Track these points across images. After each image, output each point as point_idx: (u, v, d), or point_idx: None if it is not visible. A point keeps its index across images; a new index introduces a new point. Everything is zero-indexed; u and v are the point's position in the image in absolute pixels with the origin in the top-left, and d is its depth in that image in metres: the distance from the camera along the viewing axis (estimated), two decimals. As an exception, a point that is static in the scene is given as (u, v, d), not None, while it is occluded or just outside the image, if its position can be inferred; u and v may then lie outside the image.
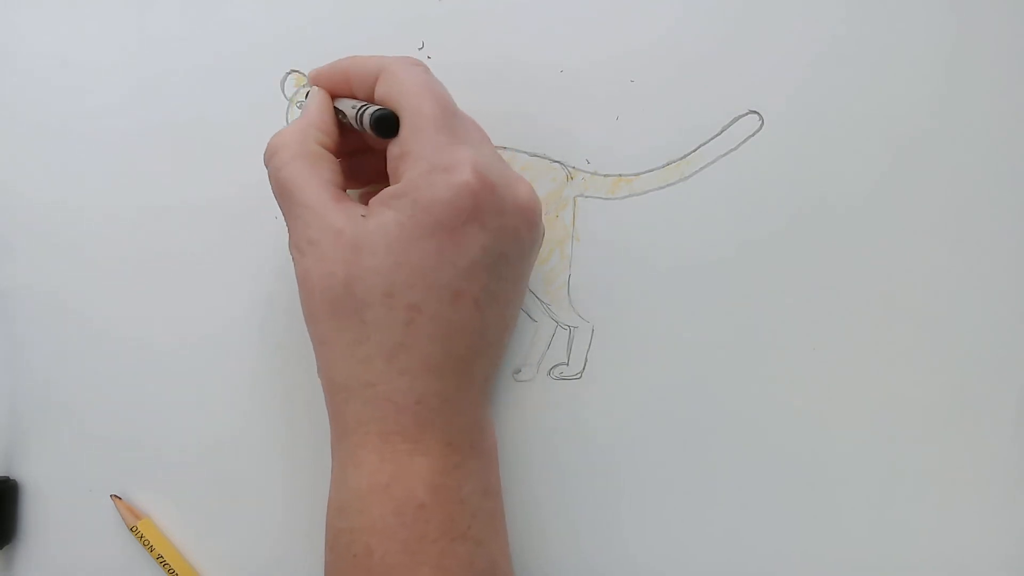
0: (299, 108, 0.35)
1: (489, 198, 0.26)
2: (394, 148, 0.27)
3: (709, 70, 0.33)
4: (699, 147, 0.33)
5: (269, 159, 0.29)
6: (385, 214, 0.26)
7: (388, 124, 0.27)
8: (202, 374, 0.36)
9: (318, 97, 0.30)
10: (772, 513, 0.33)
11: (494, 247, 0.27)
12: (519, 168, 0.34)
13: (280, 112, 0.35)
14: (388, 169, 0.28)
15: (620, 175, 0.34)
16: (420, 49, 0.34)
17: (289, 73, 0.35)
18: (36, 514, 0.37)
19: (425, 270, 0.26)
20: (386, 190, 0.27)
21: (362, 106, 0.28)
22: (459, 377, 0.28)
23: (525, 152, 0.34)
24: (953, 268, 0.33)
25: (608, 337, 0.34)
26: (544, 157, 0.34)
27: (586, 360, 0.34)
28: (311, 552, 0.35)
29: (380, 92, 0.28)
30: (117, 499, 0.36)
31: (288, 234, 0.29)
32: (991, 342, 0.32)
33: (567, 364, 0.34)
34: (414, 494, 0.27)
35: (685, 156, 0.33)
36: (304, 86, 0.35)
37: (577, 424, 0.34)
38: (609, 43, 0.34)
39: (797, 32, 0.33)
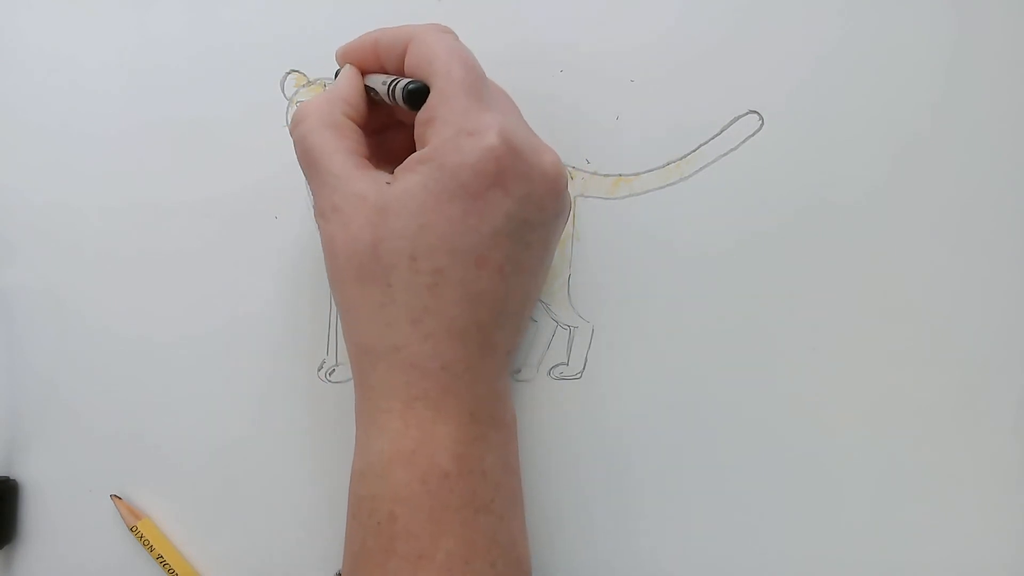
0: (299, 108, 0.35)
1: (514, 164, 0.26)
2: (422, 114, 0.27)
3: (709, 70, 0.33)
4: (699, 147, 0.33)
5: (295, 127, 0.29)
6: (410, 178, 0.26)
7: (420, 96, 0.27)
8: (202, 374, 0.36)
9: (347, 74, 0.30)
10: (772, 512, 0.33)
11: (518, 214, 0.27)
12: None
13: (280, 112, 0.35)
14: (415, 136, 0.28)
15: (620, 175, 0.34)
16: (420, 49, 0.34)
17: (289, 73, 0.35)
18: (36, 514, 0.37)
19: (449, 234, 0.26)
20: (413, 155, 0.27)
21: (393, 80, 0.28)
22: (482, 345, 0.28)
23: (525, 152, 0.34)
24: (953, 268, 0.33)
25: (608, 337, 0.34)
26: (544, 157, 0.34)
27: (586, 360, 0.34)
28: (311, 551, 0.35)
29: (410, 60, 0.28)
30: (117, 499, 0.36)
31: (312, 201, 0.29)
32: (991, 342, 0.32)
33: (567, 364, 0.34)
34: (438, 462, 0.27)
35: (685, 156, 0.33)
36: (305, 86, 0.35)
37: (577, 424, 0.34)
38: (609, 43, 0.34)
39: (797, 32, 0.33)
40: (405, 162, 0.27)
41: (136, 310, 0.36)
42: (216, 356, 0.36)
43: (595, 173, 0.34)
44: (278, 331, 0.35)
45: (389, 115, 0.32)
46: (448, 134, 0.26)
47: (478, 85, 0.27)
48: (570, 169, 0.34)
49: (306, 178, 0.29)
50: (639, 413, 0.34)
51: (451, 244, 0.26)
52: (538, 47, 0.34)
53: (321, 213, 0.28)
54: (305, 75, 0.35)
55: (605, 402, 0.34)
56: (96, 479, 0.36)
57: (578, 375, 0.34)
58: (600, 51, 0.34)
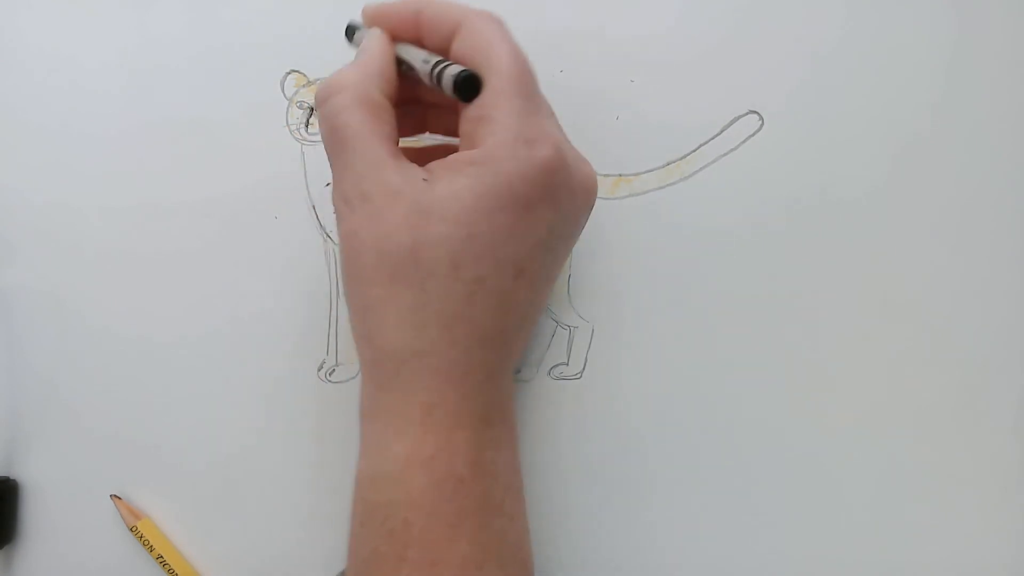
0: (299, 108, 0.35)
1: (564, 178, 0.26)
2: (472, 110, 0.25)
3: (709, 70, 0.33)
4: (699, 147, 0.33)
5: (324, 100, 0.26)
6: (459, 181, 0.25)
7: (474, 87, 0.25)
8: (202, 374, 0.36)
9: (380, 42, 0.28)
10: (772, 512, 0.33)
11: (558, 227, 0.26)
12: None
13: (280, 112, 0.35)
14: (461, 131, 0.26)
15: (620, 175, 0.34)
16: (420, 49, 0.34)
17: (289, 73, 0.35)
18: (36, 514, 0.37)
19: (495, 244, 0.25)
20: (460, 155, 0.26)
21: (439, 61, 0.26)
22: (502, 351, 0.27)
23: (525, 152, 0.34)
24: (953, 267, 0.33)
25: (608, 337, 0.34)
26: (544, 157, 0.34)
27: (586, 360, 0.34)
28: (311, 551, 0.35)
29: (461, 45, 0.26)
30: (117, 499, 0.36)
31: (334, 184, 0.27)
32: (992, 342, 0.32)
33: (567, 364, 0.34)
34: (455, 467, 0.26)
35: (685, 156, 0.33)
36: (305, 86, 0.35)
37: (577, 424, 0.34)
38: (609, 43, 0.34)
39: (797, 32, 0.33)
40: (450, 160, 0.26)
41: (136, 310, 0.36)
42: (216, 356, 0.36)
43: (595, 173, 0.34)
44: (278, 331, 0.35)
45: (410, 88, 0.29)
46: (504, 138, 0.25)
47: (534, 89, 0.26)
48: (570, 169, 0.34)
49: (329, 157, 0.27)
50: (639, 413, 0.34)
51: (496, 254, 0.25)
52: (538, 47, 0.34)
53: (345, 198, 0.26)
54: (305, 75, 0.35)
55: (605, 402, 0.34)
56: (96, 479, 0.36)
57: (578, 375, 0.34)
58: (600, 51, 0.34)
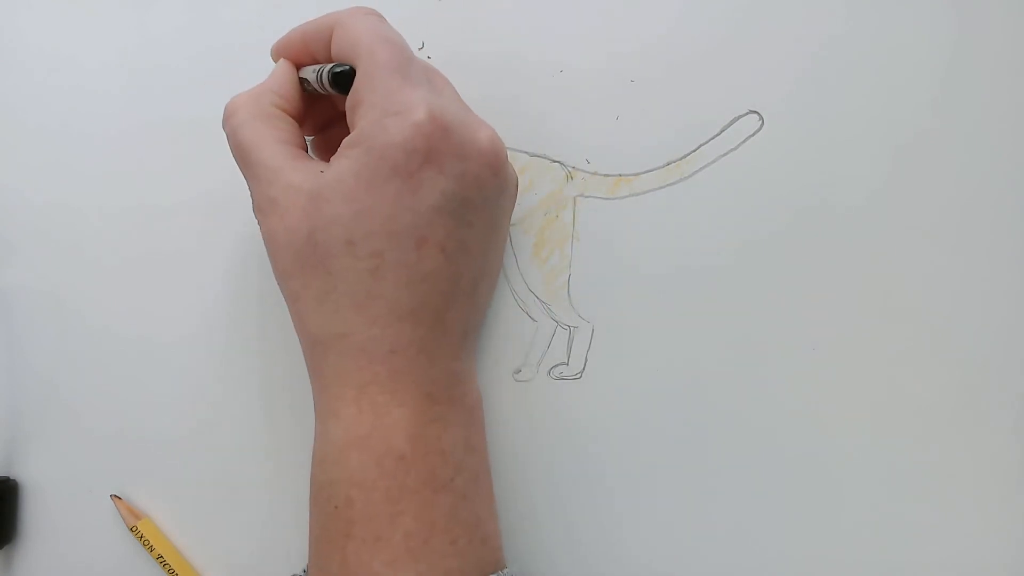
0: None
1: (445, 141, 0.26)
2: (350, 99, 0.27)
3: (709, 70, 0.33)
4: (699, 147, 0.33)
5: (226, 121, 0.29)
6: (342, 163, 0.26)
7: (347, 79, 0.27)
8: (202, 373, 0.36)
9: (280, 66, 0.30)
10: (772, 513, 0.33)
11: (455, 192, 0.27)
12: (519, 168, 0.34)
13: (280, 112, 0.35)
14: (348, 121, 0.27)
15: (620, 175, 0.34)
16: (420, 49, 0.34)
17: (289, 73, 0.35)
18: (36, 514, 0.37)
19: (385, 216, 0.26)
20: (344, 140, 0.27)
21: (320, 67, 0.28)
22: (433, 327, 0.28)
23: (525, 152, 0.34)
24: (954, 268, 0.32)
25: (608, 337, 0.34)
26: (544, 157, 0.34)
27: (586, 360, 0.34)
28: (311, 552, 0.35)
29: (335, 45, 0.28)
30: (117, 499, 0.36)
31: (251, 197, 0.28)
32: (992, 343, 0.32)
33: (567, 364, 0.34)
34: (393, 444, 0.27)
35: (685, 156, 0.33)
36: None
37: (577, 424, 0.34)
38: (609, 43, 0.34)
39: (797, 32, 0.33)
40: (339, 148, 0.27)
41: (136, 310, 0.36)
42: (217, 356, 0.36)
43: (595, 173, 0.34)
44: (278, 331, 0.35)
45: (333, 107, 0.31)
46: (374, 116, 0.26)
47: (404, 64, 0.27)
48: (570, 169, 0.34)
49: (242, 174, 0.28)
50: (639, 413, 0.34)
51: (388, 226, 0.26)
52: (538, 47, 0.34)
53: (259, 208, 0.28)
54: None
55: (605, 402, 0.34)
56: (96, 479, 0.36)
57: (578, 375, 0.34)
58: (600, 51, 0.34)
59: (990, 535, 0.33)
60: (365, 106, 0.26)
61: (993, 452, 0.32)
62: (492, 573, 0.28)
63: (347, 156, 0.26)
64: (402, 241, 0.26)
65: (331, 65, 0.27)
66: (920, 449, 0.33)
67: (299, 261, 0.27)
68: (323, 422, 0.28)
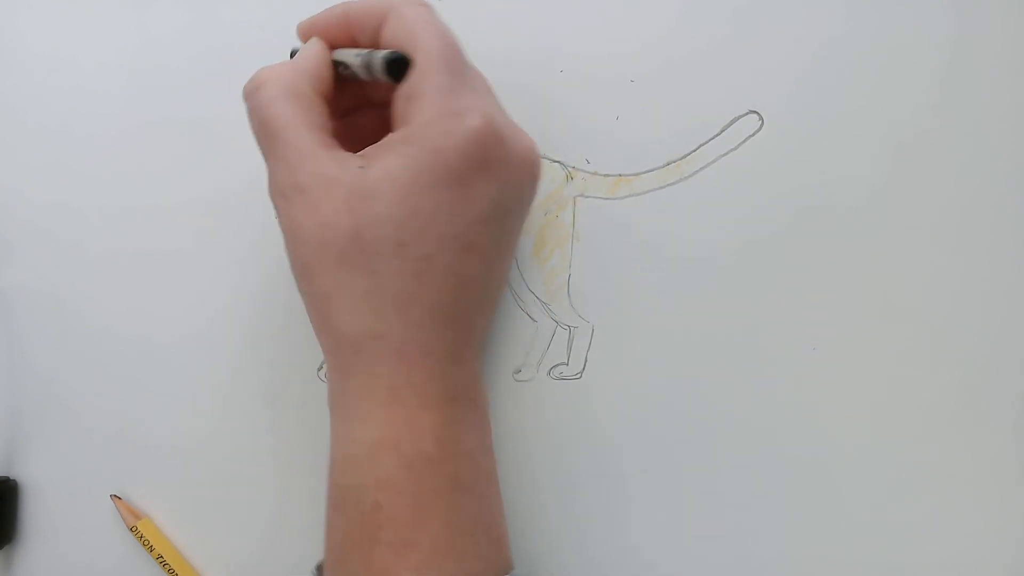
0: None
1: (498, 148, 0.26)
2: (402, 90, 0.26)
3: (709, 70, 0.33)
4: (699, 147, 0.33)
5: (252, 93, 0.27)
6: (392, 160, 0.25)
7: (402, 67, 0.26)
8: (202, 373, 0.36)
9: (313, 45, 0.28)
10: (772, 513, 0.33)
11: (501, 199, 0.26)
12: (519, 168, 0.33)
13: (280, 112, 0.35)
14: (394, 112, 0.26)
15: (620, 175, 0.34)
16: (420, 49, 0.34)
17: (289, 73, 0.35)
18: (36, 514, 0.37)
19: (438, 219, 0.25)
20: (392, 135, 0.26)
21: (369, 52, 0.27)
22: (464, 330, 0.27)
23: (525, 152, 0.34)
24: (954, 268, 0.32)
25: (608, 337, 0.34)
26: (544, 157, 0.34)
27: (586, 360, 0.34)
28: (311, 551, 0.35)
29: (389, 33, 0.26)
30: (117, 499, 0.36)
31: (268, 178, 0.27)
32: (991, 342, 0.32)
33: (567, 364, 0.34)
34: (423, 448, 0.26)
35: (685, 156, 0.33)
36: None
37: (577, 424, 0.34)
38: (609, 43, 0.34)
39: (797, 32, 0.33)
40: (384, 141, 0.26)
41: (136, 310, 0.36)
42: (216, 356, 0.36)
43: (595, 173, 0.34)
44: (278, 331, 0.35)
45: (357, 95, 0.30)
46: (432, 114, 0.25)
47: (460, 63, 0.26)
48: (570, 169, 0.34)
49: (262, 151, 0.27)
50: (639, 413, 0.34)
51: (439, 230, 0.25)
52: (538, 47, 0.34)
53: (280, 193, 0.26)
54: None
55: (605, 402, 0.34)
56: (96, 479, 0.36)
57: (578, 375, 0.34)
58: (600, 51, 0.34)
59: (990, 535, 0.33)
60: (423, 101, 0.25)
61: (993, 452, 0.32)
62: (505, 574, 0.28)
63: (399, 153, 0.25)
64: (451, 245, 0.26)
65: (386, 52, 0.26)
66: (920, 449, 0.33)
67: (340, 259, 0.26)
68: (347, 422, 0.27)
